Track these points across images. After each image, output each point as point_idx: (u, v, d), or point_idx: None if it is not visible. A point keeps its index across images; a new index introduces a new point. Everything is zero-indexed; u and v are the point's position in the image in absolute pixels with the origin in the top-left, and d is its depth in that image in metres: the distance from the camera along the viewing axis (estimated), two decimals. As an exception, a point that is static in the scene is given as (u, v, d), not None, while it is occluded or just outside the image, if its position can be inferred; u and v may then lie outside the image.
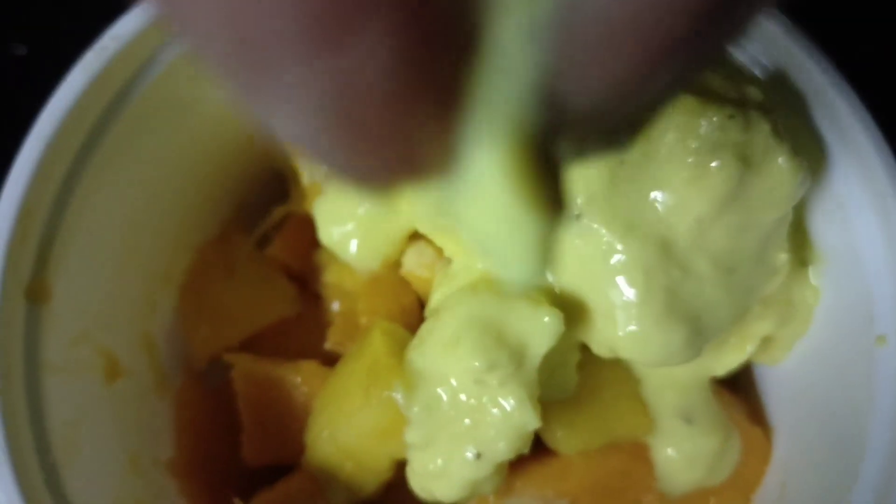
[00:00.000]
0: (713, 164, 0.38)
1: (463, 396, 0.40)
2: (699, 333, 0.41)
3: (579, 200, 0.39)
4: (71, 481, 0.38)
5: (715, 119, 0.38)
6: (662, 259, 0.40)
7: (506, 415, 0.39)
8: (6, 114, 0.63)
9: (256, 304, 0.51)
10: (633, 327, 0.41)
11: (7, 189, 0.39)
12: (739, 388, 0.49)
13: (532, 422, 0.39)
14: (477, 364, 0.39)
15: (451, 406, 0.40)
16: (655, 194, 0.39)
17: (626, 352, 0.42)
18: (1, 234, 0.38)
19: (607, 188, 0.40)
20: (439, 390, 0.40)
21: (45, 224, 0.40)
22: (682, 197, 0.39)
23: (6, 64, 0.66)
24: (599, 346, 0.42)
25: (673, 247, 0.40)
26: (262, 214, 0.54)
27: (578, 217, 0.40)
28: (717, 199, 0.39)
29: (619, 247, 0.40)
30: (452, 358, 0.39)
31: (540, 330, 0.39)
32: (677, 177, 0.39)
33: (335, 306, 0.50)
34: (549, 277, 0.41)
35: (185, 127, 0.49)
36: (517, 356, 0.39)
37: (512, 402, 0.39)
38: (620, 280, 0.40)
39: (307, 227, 0.52)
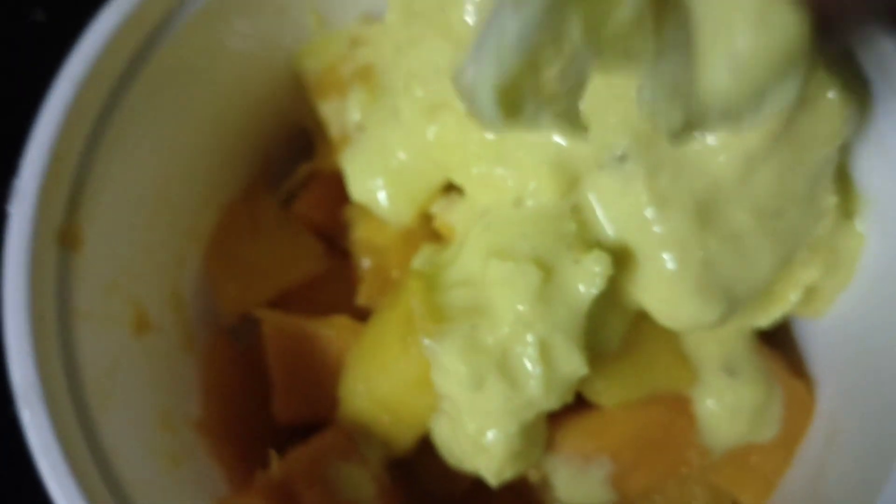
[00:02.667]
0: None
1: (508, 342, 0.38)
2: (734, 301, 0.41)
3: (625, 141, 0.38)
4: (105, 430, 0.37)
5: None
6: (700, 229, 0.39)
7: (552, 361, 0.38)
8: (26, 80, 0.62)
9: (284, 261, 0.50)
10: (665, 298, 0.40)
11: (38, 130, 0.38)
12: (778, 342, 0.48)
13: (580, 369, 0.38)
14: (523, 308, 0.38)
15: (493, 352, 0.39)
16: (703, 133, 0.38)
17: (658, 317, 0.41)
18: (32, 175, 0.37)
19: (653, 127, 0.39)
20: (482, 335, 0.39)
21: (76, 168, 0.39)
22: (731, 133, 0.38)
23: (25, 30, 0.65)
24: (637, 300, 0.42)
25: (715, 203, 0.39)
26: (287, 172, 0.54)
27: (623, 159, 0.39)
28: (768, 135, 0.38)
29: (656, 214, 0.39)
30: (499, 301, 0.38)
31: (589, 273, 0.38)
32: None
33: (365, 262, 0.49)
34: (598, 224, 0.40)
35: (211, 80, 0.48)
36: (566, 300, 0.38)
37: (559, 347, 0.38)
38: (655, 249, 0.39)
39: (334, 183, 0.51)
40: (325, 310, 0.48)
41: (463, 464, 0.44)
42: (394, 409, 0.43)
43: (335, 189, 0.51)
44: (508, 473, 0.42)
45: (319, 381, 0.46)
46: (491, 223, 0.42)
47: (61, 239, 0.38)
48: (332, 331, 0.46)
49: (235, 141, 0.51)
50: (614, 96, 0.38)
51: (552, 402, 0.39)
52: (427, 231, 0.47)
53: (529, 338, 0.38)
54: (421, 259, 0.44)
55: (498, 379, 0.39)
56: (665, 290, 0.40)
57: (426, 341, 0.39)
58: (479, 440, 0.41)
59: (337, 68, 0.50)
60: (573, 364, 0.38)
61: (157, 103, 0.44)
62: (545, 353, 0.38)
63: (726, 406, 0.44)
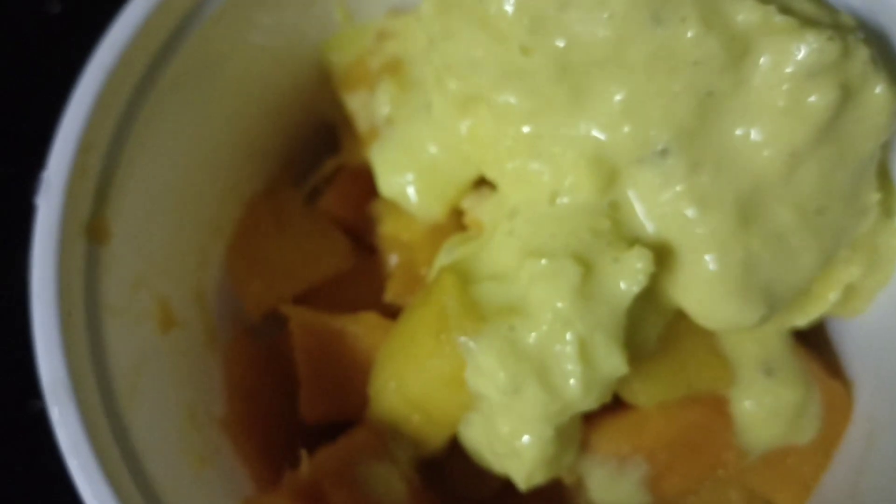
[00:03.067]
0: (812, 91, 0.36)
1: (546, 341, 0.38)
2: (775, 301, 0.40)
3: (666, 135, 0.38)
4: (134, 427, 0.36)
5: (813, 42, 0.36)
6: (742, 229, 0.38)
7: (592, 360, 0.37)
8: (44, 72, 0.62)
9: (309, 258, 0.49)
10: (704, 299, 0.39)
11: (66, 122, 0.37)
12: (812, 343, 0.47)
13: (620, 368, 0.37)
14: (563, 305, 0.37)
15: (532, 354, 0.38)
16: (746, 128, 0.38)
17: (696, 317, 0.40)
18: (60, 167, 0.36)
19: (695, 122, 0.38)
20: (520, 335, 0.38)
21: (104, 161, 0.39)
22: (777, 128, 0.37)
23: (41, 22, 0.64)
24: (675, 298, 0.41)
25: (757, 201, 0.38)
26: (312, 167, 0.53)
27: (664, 153, 0.38)
28: (815, 130, 0.37)
29: (696, 213, 0.38)
30: (537, 299, 0.37)
31: (631, 270, 0.37)
32: (772, 106, 0.37)
33: (393, 259, 0.48)
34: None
35: (236, 74, 0.47)
36: (606, 297, 0.37)
37: (600, 345, 0.37)
38: (696, 249, 0.38)
39: (360, 178, 0.50)
40: (352, 307, 0.47)
41: (493, 466, 0.43)
42: (425, 407, 0.42)
43: (361, 184, 0.50)
44: (539, 479, 0.41)
45: (347, 379, 0.45)
46: (528, 219, 0.41)
47: (89, 232, 0.37)
48: (360, 327, 0.45)
49: (259, 135, 0.50)
50: (657, 90, 0.37)
51: (591, 402, 0.38)
52: (456, 227, 0.46)
53: (569, 336, 0.37)
54: (447, 252, 0.43)
55: (536, 385, 0.38)
56: (704, 291, 0.39)
57: (462, 339, 0.38)
58: (513, 443, 0.40)
59: (365, 61, 0.49)
60: (613, 363, 0.37)
61: (182, 97, 0.43)
62: (585, 352, 0.37)
63: (764, 407, 0.43)
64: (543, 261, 0.38)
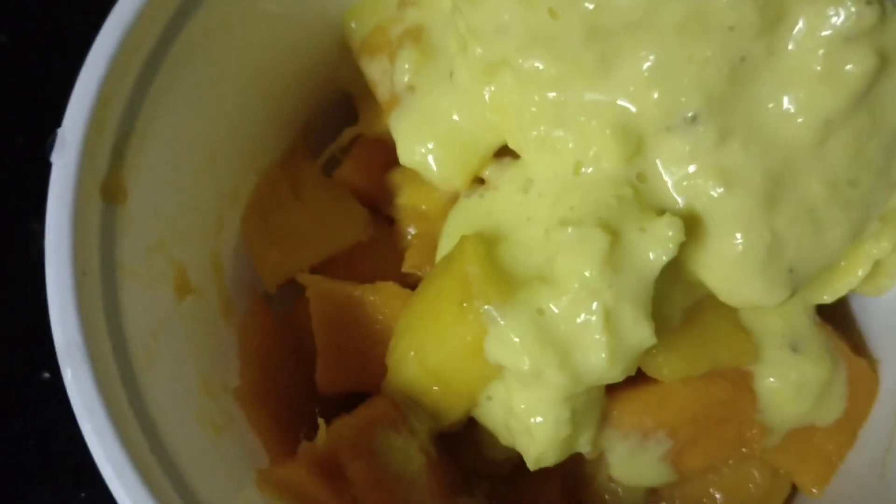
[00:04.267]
0: (848, 58, 0.35)
1: (573, 310, 0.37)
2: (801, 278, 0.39)
3: (697, 102, 0.37)
4: (150, 393, 0.36)
5: (851, 6, 0.34)
6: (770, 205, 0.37)
7: (619, 331, 0.36)
8: (66, 28, 0.61)
9: (327, 228, 0.48)
10: (728, 277, 0.39)
11: (83, 77, 0.36)
12: (837, 321, 0.47)
13: (648, 339, 0.36)
14: (591, 273, 0.36)
15: (557, 327, 0.37)
16: (779, 96, 0.37)
17: (719, 294, 0.39)
18: (76, 123, 0.35)
19: (727, 89, 0.37)
20: (544, 302, 0.37)
21: (121, 119, 0.38)
22: (811, 96, 0.36)
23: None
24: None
25: (787, 173, 0.37)
26: (329, 137, 0.52)
27: (693, 120, 0.37)
28: (849, 98, 0.36)
29: (724, 188, 0.37)
30: (564, 268, 0.36)
31: (661, 238, 0.36)
32: (807, 72, 0.36)
33: (411, 229, 0.47)
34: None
35: (253, 40, 0.46)
36: (635, 266, 0.36)
37: (627, 315, 0.36)
38: (722, 224, 0.37)
39: (378, 148, 0.49)
40: (369, 278, 0.46)
41: (507, 441, 0.42)
42: (445, 378, 0.41)
43: (379, 154, 0.49)
44: (550, 460, 0.40)
45: (365, 349, 0.44)
46: (550, 189, 0.40)
47: (105, 191, 0.36)
48: (378, 297, 0.44)
49: (276, 103, 0.49)
50: (688, 56, 0.36)
51: (617, 374, 0.37)
52: (477, 197, 0.45)
53: (595, 306, 0.36)
54: (459, 215, 0.43)
55: (557, 368, 0.37)
56: (728, 270, 0.39)
57: (486, 307, 0.37)
58: (527, 421, 0.39)
59: (385, 29, 0.48)
60: (641, 334, 0.36)
61: (201, 59, 0.42)
62: (611, 323, 0.36)
63: (790, 383, 0.42)
64: (570, 229, 0.37)
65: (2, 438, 0.52)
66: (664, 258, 0.36)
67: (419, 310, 0.42)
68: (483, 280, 0.38)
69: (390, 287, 0.44)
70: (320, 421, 0.40)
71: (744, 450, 0.43)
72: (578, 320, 0.37)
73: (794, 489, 0.45)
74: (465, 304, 0.39)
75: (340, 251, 0.48)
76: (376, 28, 0.48)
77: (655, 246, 0.36)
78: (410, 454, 0.41)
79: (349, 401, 0.44)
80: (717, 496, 0.44)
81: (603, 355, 0.36)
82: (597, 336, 0.36)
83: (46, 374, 0.53)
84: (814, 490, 0.43)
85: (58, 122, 0.57)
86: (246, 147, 0.48)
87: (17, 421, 0.52)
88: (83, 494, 0.50)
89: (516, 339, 0.37)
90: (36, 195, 0.56)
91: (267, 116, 0.49)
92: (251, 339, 0.46)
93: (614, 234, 0.37)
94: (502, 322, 0.37)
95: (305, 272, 0.46)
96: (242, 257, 0.48)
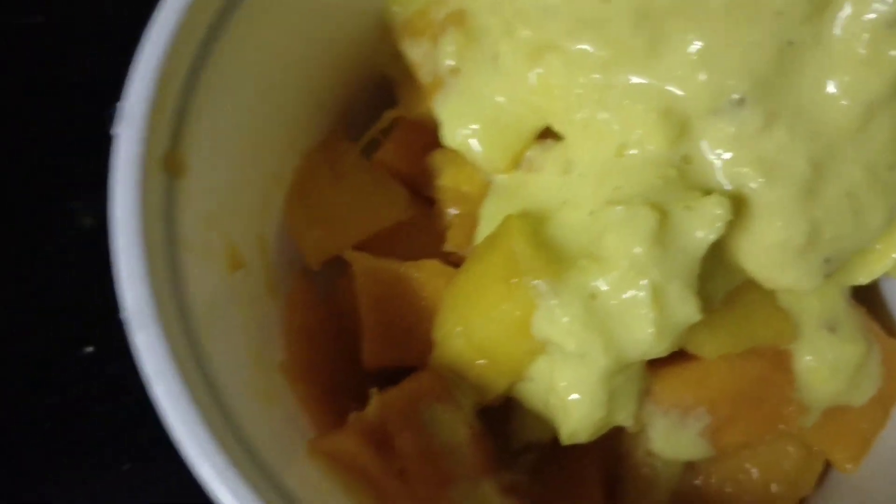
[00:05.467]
0: (892, 43, 0.36)
1: (621, 287, 0.38)
2: (838, 262, 0.40)
3: (744, 84, 0.37)
4: (212, 360, 0.36)
5: None
6: (811, 193, 0.38)
7: (666, 306, 0.37)
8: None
9: (367, 208, 0.49)
10: (767, 263, 0.40)
11: (144, 51, 0.37)
12: (867, 302, 0.48)
13: (694, 315, 0.37)
14: (640, 250, 0.37)
15: (606, 296, 0.38)
16: (824, 79, 0.37)
17: (758, 278, 0.40)
18: (140, 97, 0.36)
19: (773, 72, 0.38)
20: (593, 280, 0.38)
21: (180, 94, 0.38)
22: (855, 79, 0.37)
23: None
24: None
25: (830, 160, 0.38)
26: (367, 120, 0.53)
27: (740, 103, 0.38)
28: (893, 81, 0.37)
29: (768, 174, 0.38)
30: (613, 246, 0.37)
31: (709, 217, 0.37)
32: (852, 56, 0.37)
33: (452, 210, 0.48)
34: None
35: (301, 24, 0.47)
36: (683, 244, 0.37)
37: (675, 292, 0.37)
38: (764, 210, 0.39)
39: (418, 131, 0.50)
40: (409, 258, 0.47)
41: (544, 414, 0.43)
42: (491, 352, 0.42)
43: (419, 136, 0.50)
44: (582, 437, 0.41)
45: (410, 325, 0.45)
46: (593, 170, 0.41)
47: (167, 164, 0.37)
48: (423, 274, 0.45)
49: (316, 86, 0.50)
50: (736, 39, 0.37)
51: (662, 349, 0.38)
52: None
53: (644, 282, 0.37)
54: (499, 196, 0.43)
55: (602, 350, 0.38)
56: (767, 256, 0.40)
57: (535, 282, 0.38)
58: (564, 398, 0.40)
59: (428, 12, 0.49)
60: (688, 310, 0.37)
61: (249, 42, 0.43)
62: (659, 299, 0.37)
63: (826, 362, 0.43)
64: (619, 208, 0.38)
65: (44, 412, 0.53)
66: (711, 237, 0.37)
67: (466, 287, 0.43)
68: (531, 256, 0.39)
69: (434, 265, 0.45)
70: (373, 391, 0.40)
71: (781, 426, 0.44)
72: (626, 296, 0.38)
73: (828, 466, 0.46)
74: (513, 281, 0.40)
75: (381, 230, 0.49)
76: (418, 12, 0.49)
77: (703, 224, 0.37)
78: (456, 426, 0.42)
79: (391, 376, 0.45)
80: (753, 471, 0.45)
81: (651, 330, 0.37)
82: (644, 311, 0.37)
83: (89, 349, 0.54)
84: (848, 466, 0.44)
85: (92, 103, 0.58)
86: (288, 129, 0.49)
87: (58, 394, 0.53)
88: (125, 467, 0.51)
89: (566, 319, 0.38)
90: (73, 175, 0.57)
91: (308, 99, 0.50)
92: (295, 315, 0.47)
93: (662, 213, 0.38)
94: (553, 301, 0.38)
95: (348, 250, 0.47)
96: (286, 236, 0.49)
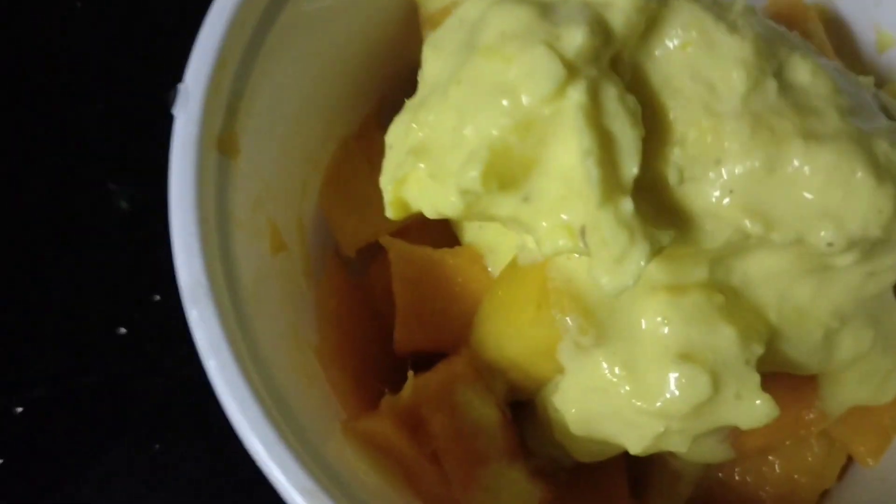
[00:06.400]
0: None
1: (636, 405, 0.38)
2: None
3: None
4: (260, 337, 0.37)
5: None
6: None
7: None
8: None
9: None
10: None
11: (203, 35, 0.38)
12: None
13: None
14: (678, 411, 0.37)
15: (618, 394, 0.38)
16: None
17: None
18: (198, 78, 0.37)
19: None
20: (617, 371, 0.38)
21: (234, 77, 0.40)
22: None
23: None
24: None
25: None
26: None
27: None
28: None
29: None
30: (658, 378, 0.37)
31: (749, 415, 0.37)
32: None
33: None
34: None
35: (340, 17, 0.48)
36: (715, 419, 0.38)
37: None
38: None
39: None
40: (441, 246, 0.48)
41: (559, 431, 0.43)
42: (522, 367, 0.43)
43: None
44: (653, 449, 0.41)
45: (442, 310, 0.46)
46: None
47: (221, 145, 0.38)
48: (459, 260, 0.46)
49: (357, 74, 0.51)
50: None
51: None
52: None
53: (662, 428, 0.38)
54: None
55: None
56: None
57: (563, 317, 0.39)
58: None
59: (450, 10, 0.49)
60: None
61: (298, 32, 0.44)
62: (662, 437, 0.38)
63: (857, 370, 0.43)
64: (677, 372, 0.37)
65: (77, 392, 0.54)
66: (740, 426, 0.38)
67: (499, 300, 0.43)
68: (558, 291, 0.39)
69: (470, 251, 0.46)
70: (409, 373, 0.41)
71: (802, 432, 0.44)
72: (636, 415, 0.38)
73: (850, 458, 0.47)
74: (543, 306, 0.40)
75: (414, 220, 0.50)
76: (444, 9, 0.50)
77: (741, 417, 0.38)
78: (489, 410, 0.43)
79: (420, 362, 0.46)
80: (776, 464, 0.46)
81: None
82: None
83: (123, 330, 0.54)
84: (869, 461, 0.45)
85: (134, 87, 0.59)
86: (328, 116, 0.50)
87: (92, 374, 0.54)
88: (157, 446, 0.52)
89: (579, 382, 0.39)
90: (113, 157, 0.58)
91: (347, 87, 0.51)
92: (329, 300, 0.48)
93: (715, 388, 0.37)
94: (577, 349, 0.39)
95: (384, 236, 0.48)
96: (321, 223, 0.50)
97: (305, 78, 0.46)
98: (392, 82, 0.54)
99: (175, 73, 0.38)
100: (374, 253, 0.49)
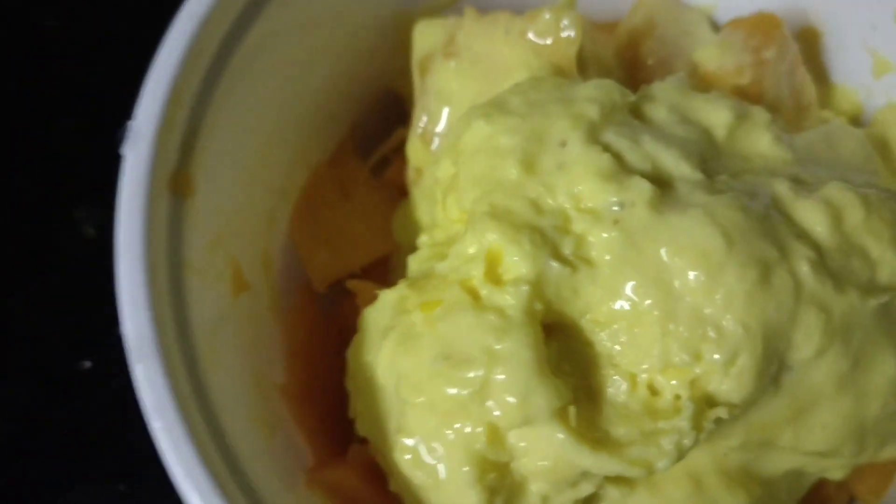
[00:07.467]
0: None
1: None
2: None
3: None
4: (213, 390, 0.35)
5: None
6: None
7: None
8: (137, 20, 0.60)
9: (377, 229, 0.48)
10: None
11: (155, 70, 0.36)
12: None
13: None
14: None
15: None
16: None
17: None
18: (149, 116, 0.35)
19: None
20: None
21: (190, 113, 0.37)
22: None
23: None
24: None
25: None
26: (377, 140, 0.51)
27: None
28: None
29: None
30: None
31: None
32: None
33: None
34: None
35: (316, 42, 0.46)
36: None
37: None
38: None
39: (428, 149, 0.49)
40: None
41: None
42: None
43: (429, 155, 0.48)
44: None
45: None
46: None
47: (174, 186, 0.36)
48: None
49: (325, 101, 0.49)
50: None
51: None
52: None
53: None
54: None
55: None
56: None
57: None
58: None
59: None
60: None
61: (262, 59, 0.42)
62: None
63: None
64: None
65: (40, 428, 0.51)
66: None
67: None
68: None
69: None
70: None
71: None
72: None
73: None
74: None
75: (390, 253, 0.48)
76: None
77: None
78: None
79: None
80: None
81: None
82: None
83: (87, 363, 0.52)
84: (870, 499, 0.43)
85: (103, 110, 0.56)
86: (298, 143, 0.48)
87: (56, 410, 0.52)
88: (122, 487, 0.50)
89: None
90: (79, 183, 0.56)
91: (318, 113, 0.49)
92: (298, 335, 0.46)
93: None
94: None
95: (356, 272, 0.46)
96: (291, 253, 0.47)
97: (272, 105, 0.44)
98: (369, 105, 0.52)
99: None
100: (346, 287, 0.47)
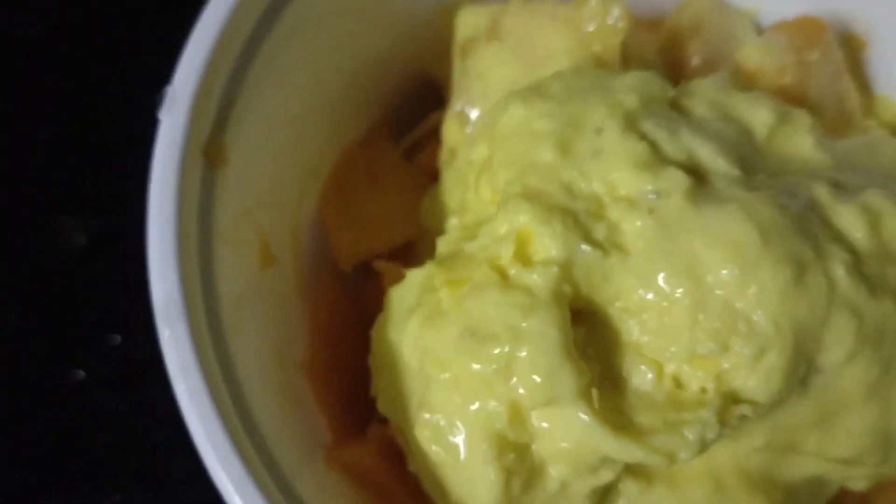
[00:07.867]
0: None
1: None
2: None
3: None
4: (237, 359, 0.35)
5: None
6: None
7: None
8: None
9: (405, 213, 0.48)
10: None
11: (195, 36, 0.36)
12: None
13: None
14: None
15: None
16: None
17: None
18: (188, 81, 0.35)
19: None
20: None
21: (227, 83, 0.37)
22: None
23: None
24: None
25: None
26: (411, 124, 0.51)
27: None
28: None
29: None
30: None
31: None
32: None
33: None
34: None
35: (354, 21, 0.46)
36: None
37: None
38: None
39: (464, 134, 0.48)
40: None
41: None
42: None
43: (465, 140, 0.48)
44: None
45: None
46: None
47: (208, 155, 0.36)
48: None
49: (366, 80, 0.49)
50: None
51: None
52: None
53: None
54: None
55: None
56: None
57: None
58: None
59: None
60: None
61: (300, 36, 0.42)
62: None
63: None
64: None
65: (30, 440, 0.50)
66: None
67: None
68: None
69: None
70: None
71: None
72: None
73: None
74: None
75: (417, 237, 0.48)
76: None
77: None
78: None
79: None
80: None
81: None
82: None
83: (81, 373, 0.51)
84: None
85: (89, 118, 0.55)
86: (332, 122, 0.48)
87: (44, 423, 0.51)
88: (118, 497, 0.49)
89: None
90: (63, 190, 0.54)
91: (354, 93, 0.49)
92: (321, 314, 0.46)
93: None
94: None
95: (383, 254, 0.46)
96: (319, 232, 0.47)
97: (310, 82, 0.44)
98: (406, 89, 0.52)
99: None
100: (371, 268, 0.47)
